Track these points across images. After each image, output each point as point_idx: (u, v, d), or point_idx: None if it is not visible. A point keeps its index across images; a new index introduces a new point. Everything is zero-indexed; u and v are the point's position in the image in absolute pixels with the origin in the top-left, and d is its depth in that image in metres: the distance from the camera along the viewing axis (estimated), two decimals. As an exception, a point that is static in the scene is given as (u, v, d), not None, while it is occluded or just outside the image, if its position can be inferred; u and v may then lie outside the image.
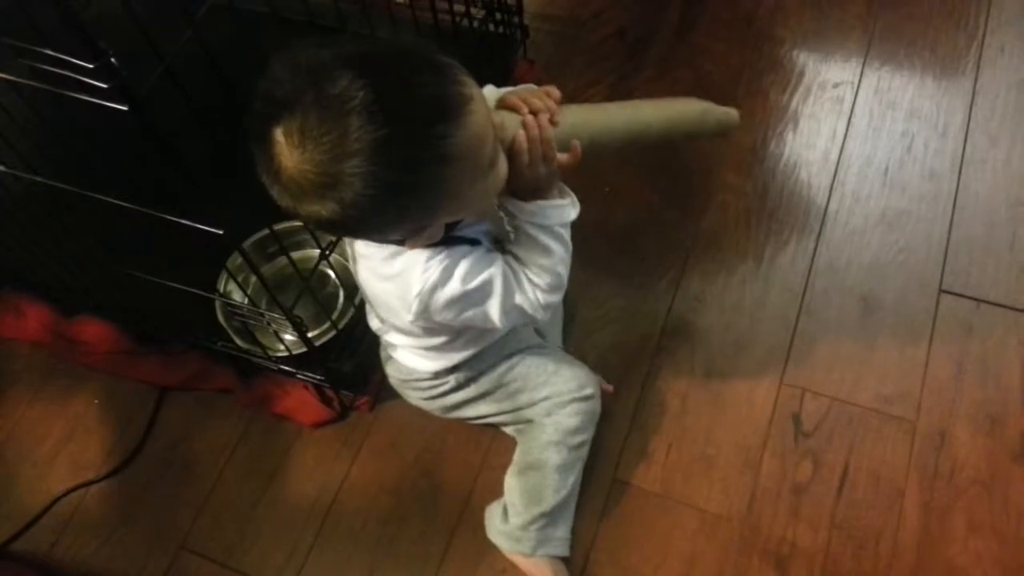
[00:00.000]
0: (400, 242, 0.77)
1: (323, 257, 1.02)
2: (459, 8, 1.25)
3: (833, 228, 1.26)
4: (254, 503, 1.13)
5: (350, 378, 1.16)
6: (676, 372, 1.17)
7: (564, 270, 0.83)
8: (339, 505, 1.12)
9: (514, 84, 1.39)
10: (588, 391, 1.02)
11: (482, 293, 0.80)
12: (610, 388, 1.13)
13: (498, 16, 1.37)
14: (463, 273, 0.78)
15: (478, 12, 1.32)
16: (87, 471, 1.18)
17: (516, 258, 0.83)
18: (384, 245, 0.80)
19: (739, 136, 1.36)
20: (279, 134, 0.62)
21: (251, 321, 1.15)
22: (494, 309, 0.81)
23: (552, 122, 0.77)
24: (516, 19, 1.41)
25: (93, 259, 1.11)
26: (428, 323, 0.84)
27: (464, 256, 0.79)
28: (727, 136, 0.95)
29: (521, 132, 0.75)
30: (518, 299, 0.82)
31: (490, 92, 0.86)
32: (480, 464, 1.12)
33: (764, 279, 1.23)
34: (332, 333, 1.15)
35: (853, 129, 1.35)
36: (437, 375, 1.00)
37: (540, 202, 0.80)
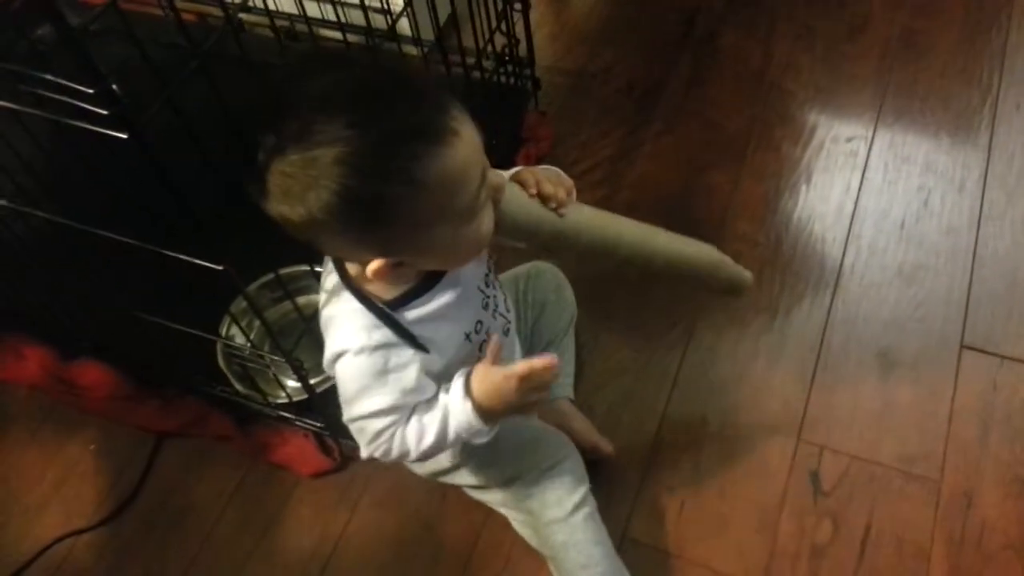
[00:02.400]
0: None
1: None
2: (471, 60, 1.26)
3: (849, 281, 1.23)
4: (247, 556, 1.08)
5: (352, 426, 1.12)
6: (689, 427, 1.12)
7: (424, 452, 0.78)
8: (336, 559, 1.07)
9: (527, 134, 1.42)
10: (556, 458, 0.95)
11: (380, 390, 0.75)
12: (611, 450, 1.07)
13: (510, 68, 1.38)
14: (389, 362, 0.74)
15: (489, 63, 1.33)
16: (79, 518, 1.14)
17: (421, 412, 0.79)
18: (340, 284, 0.76)
19: (752, 186, 1.35)
20: (269, 135, 0.62)
21: (252, 365, 1.13)
22: (372, 404, 0.76)
23: (558, 214, 0.77)
24: (528, 71, 1.41)
25: (95, 300, 1.09)
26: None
27: (403, 348, 0.75)
28: (737, 295, 0.92)
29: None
30: (396, 434, 0.77)
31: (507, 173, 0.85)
32: (484, 520, 1.07)
33: (779, 332, 1.19)
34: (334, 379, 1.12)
35: (868, 183, 1.34)
36: None
37: (478, 412, 0.76)
